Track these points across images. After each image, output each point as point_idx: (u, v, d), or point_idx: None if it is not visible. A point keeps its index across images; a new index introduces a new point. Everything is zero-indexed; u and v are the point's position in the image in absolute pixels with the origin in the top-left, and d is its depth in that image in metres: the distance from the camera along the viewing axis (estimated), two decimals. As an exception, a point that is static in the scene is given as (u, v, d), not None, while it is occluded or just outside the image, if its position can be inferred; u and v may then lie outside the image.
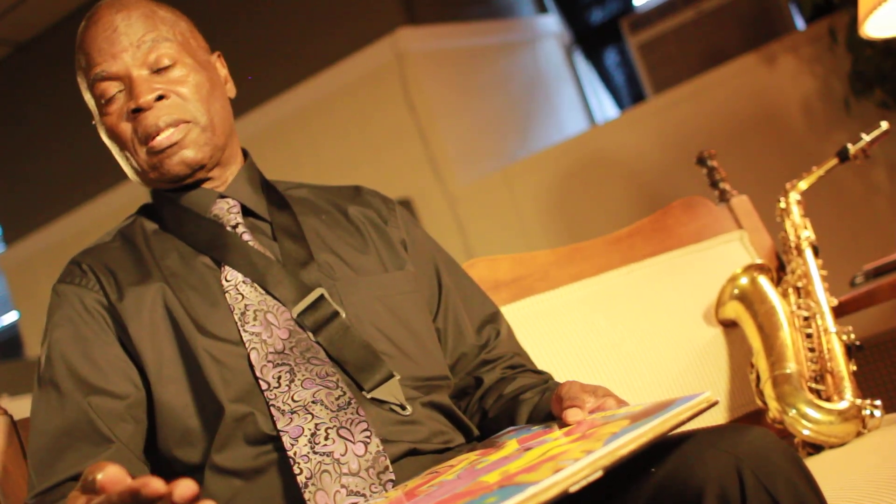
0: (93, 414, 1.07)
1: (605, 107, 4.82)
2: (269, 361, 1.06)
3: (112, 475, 0.72)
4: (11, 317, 5.65)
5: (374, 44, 4.03)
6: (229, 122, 1.20)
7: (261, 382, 1.05)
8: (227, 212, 1.17)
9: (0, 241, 5.52)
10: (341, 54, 4.11)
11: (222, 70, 1.25)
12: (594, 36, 4.80)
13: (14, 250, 5.23)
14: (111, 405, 1.08)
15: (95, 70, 1.14)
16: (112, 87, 1.14)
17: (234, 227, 1.16)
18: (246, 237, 1.15)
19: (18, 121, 5.20)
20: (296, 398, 1.04)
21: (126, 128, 1.14)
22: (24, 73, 5.17)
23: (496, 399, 1.20)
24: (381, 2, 4.10)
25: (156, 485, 0.68)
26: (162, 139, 1.13)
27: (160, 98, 1.13)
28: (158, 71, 1.14)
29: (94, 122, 1.22)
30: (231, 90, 1.24)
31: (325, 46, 4.15)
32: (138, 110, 1.13)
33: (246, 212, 1.19)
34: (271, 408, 1.04)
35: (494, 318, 1.31)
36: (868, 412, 1.43)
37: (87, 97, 1.19)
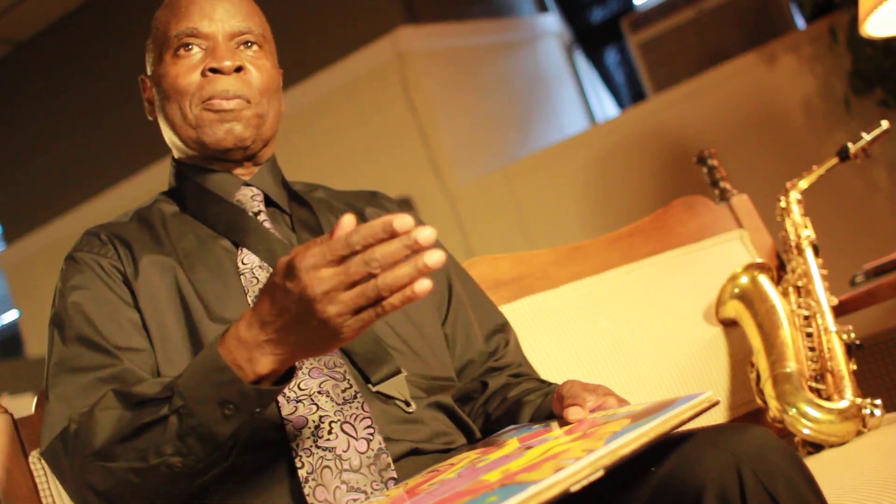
0: (128, 364, 1.07)
1: (606, 106, 4.82)
2: None
3: (349, 220, 0.79)
4: (11, 315, 5.65)
5: (374, 43, 4.03)
6: (276, 126, 1.24)
7: None
8: (251, 199, 1.20)
9: (0, 239, 5.52)
10: (341, 53, 4.10)
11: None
12: (594, 35, 4.80)
13: (14, 249, 5.22)
14: (137, 357, 1.09)
15: (188, 24, 1.18)
16: (195, 44, 1.18)
17: (256, 213, 1.19)
18: (267, 225, 1.17)
19: (18, 120, 5.20)
20: (302, 386, 1.04)
21: (193, 80, 1.17)
22: (23, 73, 5.17)
23: (500, 402, 1.20)
24: (382, 1, 4.10)
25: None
26: (223, 102, 1.16)
27: (238, 69, 1.17)
28: (242, 50, 1.20)
29: (140, 77, 1.26)
30: (283, 105, 1.28)
31: (326, 45, 4.14)
32: (216, 70, 1.16)
33: (268, 202, 1.22)
34: None
35: (504, 328, 1.32)
36: (868, 411, 1.43)
37: (152, 51, 1.23)
